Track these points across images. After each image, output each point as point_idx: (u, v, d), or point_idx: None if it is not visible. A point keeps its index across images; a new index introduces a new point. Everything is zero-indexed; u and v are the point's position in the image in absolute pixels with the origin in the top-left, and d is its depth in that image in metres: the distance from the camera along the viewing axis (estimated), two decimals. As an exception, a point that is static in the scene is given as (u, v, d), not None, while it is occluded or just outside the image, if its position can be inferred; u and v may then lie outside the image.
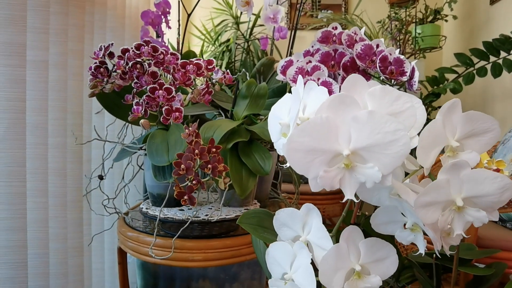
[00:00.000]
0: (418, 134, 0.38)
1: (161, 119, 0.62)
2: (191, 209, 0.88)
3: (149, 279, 1.21)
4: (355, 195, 0.36)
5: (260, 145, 0.85)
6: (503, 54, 1.49)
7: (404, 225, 0.42)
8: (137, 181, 1.15)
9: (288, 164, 0.39)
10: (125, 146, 0.88)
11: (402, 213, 0.41)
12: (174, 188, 0.62)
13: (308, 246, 0.46)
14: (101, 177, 0.98)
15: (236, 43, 1.98)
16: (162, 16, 1.07)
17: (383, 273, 0.44)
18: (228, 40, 2.17)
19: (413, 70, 0.67)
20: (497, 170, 0.69)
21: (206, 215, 0.84)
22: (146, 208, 0.91)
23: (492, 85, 1.78)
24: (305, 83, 0.43)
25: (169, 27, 1.07)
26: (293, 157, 0.33)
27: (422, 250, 0.41)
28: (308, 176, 0.34)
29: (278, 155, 1.23)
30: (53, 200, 0.89)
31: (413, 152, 0.38)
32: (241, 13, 2.25)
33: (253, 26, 2.05)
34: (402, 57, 0.67)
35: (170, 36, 1.38)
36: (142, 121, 0.61)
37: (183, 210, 0.88)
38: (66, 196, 0.94)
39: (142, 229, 0.87)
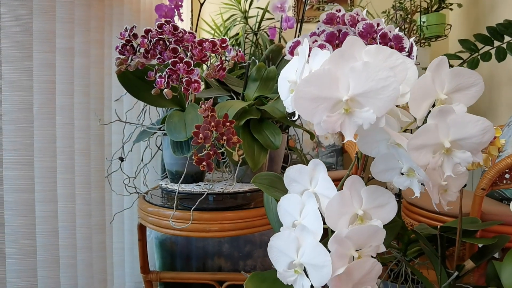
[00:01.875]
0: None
1: (181, 89, 0.68)
2: (207, 184, 0.94)
3: (167, 258, 1.28)
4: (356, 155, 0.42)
5: (271, 122, 0.91)
6: (507, 38, 1.52)
7: (401, 173, 0.48)
8: (155, 164, 1.22)
9: (296, 117, 0.45)
10: (146, 127, 0.94)
11: (398, 161, 0.46)
12: (193, 157, 0.68)
13: (315, 197, 0.51)
14: (121, 159, 1.04)
15: (245, 36, 2.04)
16: (175, 9, 1.14)
17: (384, 217, 0.49)
18: (237, 34, 2.24)
19: (411, 46, 0.72)
20: (494, 138, 0.73)
21: (221, 188, 0.90)
22: (165, 184, 0.97)
23: (498, 69, 1.81)
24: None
25: (182, 20, 1.14)
26: (300, 105, 0.39)
27: (417, 193, 0.45)
28: (313, 121, 0.39)
29: (288, 139, 1.28)
30: (79, 178, 0.96)
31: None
32: (250, 7, 2.31)
33: (261, 19, 2.10)
34: (401, 34, 0.72)
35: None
36: (166, 90, 0.68)
37: (199, 185, 0.95)
38: (90, 175, 1.01)
39: (161, 204, 0.93)
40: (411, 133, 0.49)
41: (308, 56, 0.47)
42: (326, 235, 0.49)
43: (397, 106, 0.46)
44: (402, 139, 0.42)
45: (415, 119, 0.45)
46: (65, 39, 0.87)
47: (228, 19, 2.31)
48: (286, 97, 0.46)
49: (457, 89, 0.44)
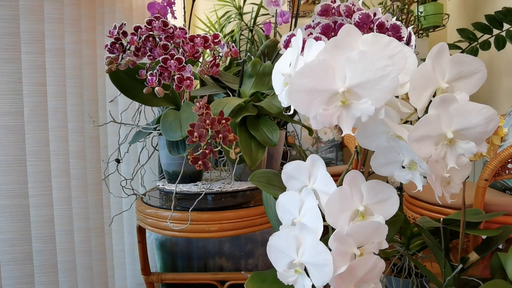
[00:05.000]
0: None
1: (173, 87, 0.66)
2: (205, 183, 0.93)
3: (167, 259, 1.26)
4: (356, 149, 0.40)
5: (268, 119, 0.89)
6: (506, 26, 1.50)
7: (402, 166, 0.46)
8: (152, 165, 1.20)
9: (292, 111, 0.43)
10: (141, 128, 0.92)
11: (399, 154, 0.45)
12: (189, 157, 0.67)
13: (314, 194, 0.49)
14: (118, 161, 1.03)
15: (240, 33, 2.02)
16: (168, 7, 1.12)
17: (386, 213, 0.47)
18: (232, 31, 2.21)
19: (409, 35, 0.70)
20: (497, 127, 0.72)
21: (219, 187, 0.88)
22: (163, 185, 0.96)
23: (497, 58, 1.78)
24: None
25: (175, 18, 1.12)
26: (295, 98, 0.37)
27: (420, 186, 0.44)
28: (309, 115, 0.38)
29: (286, 135, 1.27)
30: (75, 182, 0.95)
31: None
32: (244, 3, 2.29)
33: (256, 15, 2.08)
34: (398, 23, 0.70)
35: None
36: (157, 88, 0.66)
37: (197, 185, 0.93)
38: (86, 178, 0.99)
39: (159, 205, 0.92)
40: (412, 124, 0.47)
41: (303, 49, 0.45)
42: (327, 232, 0.48)
43: (396, 96, 0.45)
44: (403, 131, 0.40)
45: (416, 109, 0.44)
46: (55, 39, 0.85)
47: (223, 16, 2.29)
48: (280, 91, 0.45)
49: (459, 77, 0.42)
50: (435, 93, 0.44)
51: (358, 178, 0.47)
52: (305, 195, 0.48)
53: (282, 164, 1.27)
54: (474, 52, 1.55)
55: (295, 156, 1.41)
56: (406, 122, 0.46)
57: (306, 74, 0.36)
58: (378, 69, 0.35)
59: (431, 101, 0.44)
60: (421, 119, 0.38)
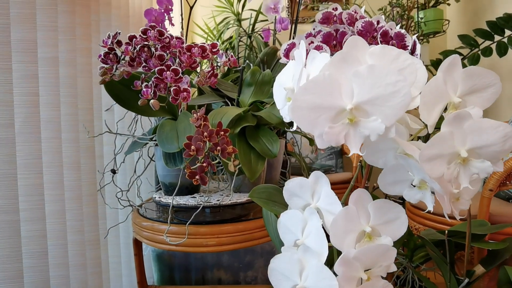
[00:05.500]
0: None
1: (170, 99, 0.63)
2: (202, 196, 0.90)
3: (165, 271, 1.23)
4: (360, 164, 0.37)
5: (267, 129, 0.87)
6: (507, 33, 1.48)
7: (412, 185, 0.43)
8: (149, 175, 1.17)
9: (295, 127, 0.40)
10: (137, 138, 0.90)
11: (409, 172, 0.42)
12: (185, 170, 0.64)
13: (318, 213, 0.47)
14: (113, 171, 1.00)
15: (239, 39, 2.00)
16: (165, 14, 1.09)
17: (394, 234, 0.45)
18: (231, 37, 2.19)
19: (414, 44, 0.68)
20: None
21: (218, 200, 0.85)
22: (159, 197, 0.93)
23: (499, 64, 1.77)
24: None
25: (172, 24, 1.09)
26: (299, 115, 0.34)
27: (430, 207, 0.41)
28: (314, 133, 0.35)
29: (286, 143, 1.24)
30: (69, 194, 0.92)
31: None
32: (243, 9, 2.27)
33: (255, 21, 2.06)
34: (403, 31, 0.68)
35: (174, 33, 1.40)
36: (152, 101, 0.63)
37: (195, 197, 0.90)
38: (81, 189, 0.96)
39: (156, 218, 0.89)
40: (421, 138, 0.45)
41: (306, 59, 0.43)
42: (331, 253, 0.45)
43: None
44: (413, 149, 0.38)
45: (426, 125, 0.41)
46: (48, 48, 0.83)
47: (221, 22, 2.27)
48: (282, 105, 0.42)
49: (472, 91, 0.40)
50: (446, 107, 0.42)
51: (364, 197, 0.44)
52: (309, 214, 0.46)
53: (282, 174, 1.24)
54: (475, 59, 1.53)
55: (295, 163, 1.38)
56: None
57: (310, 89, 0.34)
58: (388, 84, 0.32)
59: (442, 115, 0.41)
60: (433, 137, 0.36)
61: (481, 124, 0.35)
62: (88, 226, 1.00)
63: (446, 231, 0.88)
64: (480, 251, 1.06)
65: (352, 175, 2.14)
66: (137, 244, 1.05)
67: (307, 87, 0.34)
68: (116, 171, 0.99)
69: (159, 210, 0.97)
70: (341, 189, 1.86)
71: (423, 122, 0.40)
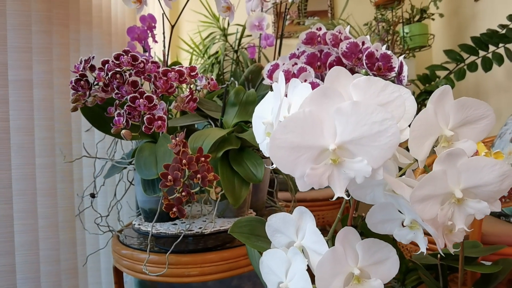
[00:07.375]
0: (410, 126, 0.37)
1: (143, 128, 0.60)
2: (184, 222, 0.85)
3: (148, 298, 1.17)
4: (347, 194, 0.34)
5: (252, 152, 0.83)
6: (491, 48, 1.49)
7: (402, 223, 0.40)
8: (130, 198, 1.12)
9: (274, 165, 0.37)
10: (115, 162, 0.85)
11: (399, 211, 0.39)
12: (162, 201, 0.60)
13: (303, 252, 0.43)
14: (93, 195, 0.95)
15: (225, 55, 1.98)
16: (148, 31, 1.06)
17: (384, 276, 0.41)
18: (217, 52, 2.17)
19: (401, 65, 0.66)
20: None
21: (200, 227, 0.81)
22: (139, 224, 0.88)
23: (484, 79, 1.77)
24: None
25: (156, 41, 1.07)
26: (277, 155, 0.31)
27: (423, 248, 0.38)
28: (295, 175, 0.32)
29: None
30: (43, 222, 0.86)
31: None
32: (228, 25, 2.26)
33: (241, 37, 2.05)
34: (389, 52, 0.65)
35: (158, 50, 1.37)
36: (123, 131, 0.59)
37: (176, 224, 0.86)
38: (57, 216, 0.91)
39: (136, 246, 0.84)
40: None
41: (287, 83, 0.40)
42: None
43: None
44: (403, 188, 0.35)
45: (415, 159, 0.38)
46: (21, 70, 0.78)
47: (207, 37, 2.25)
48: (262, 139, 0.39)
49: (464, 123, 0.37)
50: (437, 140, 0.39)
51: (351, 235, 0.41)
52: (292, 255, 0.42)
53: (269, 193, 1.20)
54: (461, 74, 1.54)
55: (283, 179, 1.34)
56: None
57: (290, 128, 0.31)
58: (374, 123, 0.29)
59: (433, 149, 0.38)
60: (425, 176, 0.33)
61: (476, 163, 0.32)
62: (65, 254, 0.95)
63: (439, 256, 0.85)
64: (474, 273, 1.03)
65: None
66: (118, 272, 0.99)
67: (286, 125, 0.31)
68: (96, 195, 0.94)
69: (140, 236, 0.92)
70: (331, 205, 1.83)
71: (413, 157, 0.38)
